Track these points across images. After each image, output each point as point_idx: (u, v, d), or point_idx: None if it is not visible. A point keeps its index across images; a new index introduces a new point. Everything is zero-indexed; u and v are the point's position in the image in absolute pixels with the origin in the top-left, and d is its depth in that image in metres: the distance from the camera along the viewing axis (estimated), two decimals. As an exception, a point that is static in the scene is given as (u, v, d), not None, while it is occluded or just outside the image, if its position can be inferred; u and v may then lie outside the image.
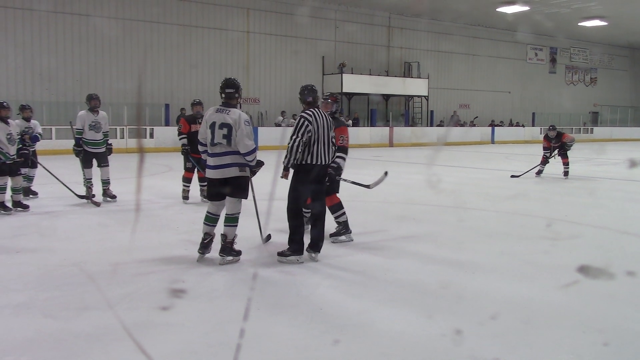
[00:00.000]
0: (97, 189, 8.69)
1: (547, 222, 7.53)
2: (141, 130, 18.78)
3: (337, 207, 6.21)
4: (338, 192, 6.23)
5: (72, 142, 8.51)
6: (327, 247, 5.59)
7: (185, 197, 8.70)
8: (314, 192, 5.43)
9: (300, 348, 3.43)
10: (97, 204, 8.27)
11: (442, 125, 29.50)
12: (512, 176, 12.51)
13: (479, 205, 8.77)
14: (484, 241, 6.42)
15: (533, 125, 32.50)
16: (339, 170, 5.89)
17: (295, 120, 5.43)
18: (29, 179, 8.85)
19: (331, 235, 6.20)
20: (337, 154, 5.90)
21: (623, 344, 3.61)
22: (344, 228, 6.21)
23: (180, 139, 8.59)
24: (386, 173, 6.01)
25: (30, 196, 8.81)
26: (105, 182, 8.66)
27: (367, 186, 6.24)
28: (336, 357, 3.34)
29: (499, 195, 10.06)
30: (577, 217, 7.88)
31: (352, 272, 5.08)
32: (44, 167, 8.69)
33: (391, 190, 10.59)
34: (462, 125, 29.80)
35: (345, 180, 6.25)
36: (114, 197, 8.66)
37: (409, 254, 5.71)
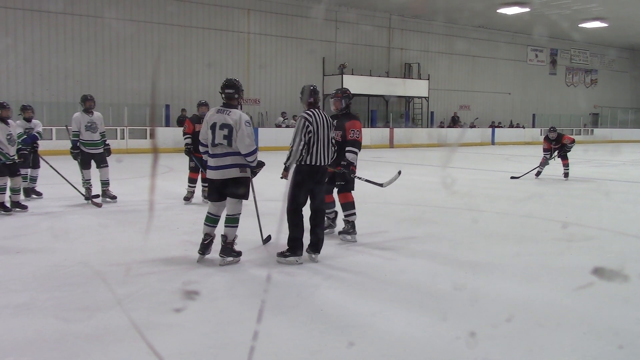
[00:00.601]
0: (98, 190, 8.69)
1: (557, 224, 7.44)
2: (154, 130, 18.79)
3: (350, 206, 6.26)
4: (353, 190, 6.29)
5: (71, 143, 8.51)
6: (327, 248, 5.59)
7: (186, 199, 8.70)
8: (314, 193, 5.42)
9: (300, 349, 3.43)
10: (99, 205, 8.26)
11: (443, 126, 29.53)
12: (512, 177, 12.51)
13: (482, 207, 8.75)
14: (487, 242, 6.42)
15: (533, 127, 32.50)
16: (349, 165, 5.97)
17: (295, 121, 5.44)
18: (33, 179, 8.84)
19: (340, 232, 6.31)
20: (348, 148, 6.00)
21: (637, 346, 3.59)
22: (351, 227, 6.24)
23: (184, 139, 8.62)
24: (399, 172, 6.01)
25: (33, 196, 8.80)
26: (105, 183, 8.65)
27: (381, 185, 6.23)
28: (338, 358, 3.34)
29: (503, 196, 10.05)
30: (587, 220, 7.84)
31: (352, 273, 5.07)
32: (52, 168, 8.63)
33: (393, 191, 10.59)
34: (461, 127, 29.81)
35: (359, 178, 6.25)
36: (114, 197, 8.66)
37: (411, 255, 5.71)
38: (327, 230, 6.51)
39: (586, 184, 12.14)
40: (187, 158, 8.72)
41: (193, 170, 8.68)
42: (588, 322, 3.92)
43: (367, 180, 6.40)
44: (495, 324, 3.86)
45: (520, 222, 7.77)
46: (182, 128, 8.92)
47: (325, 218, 6.51)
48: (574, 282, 4.84)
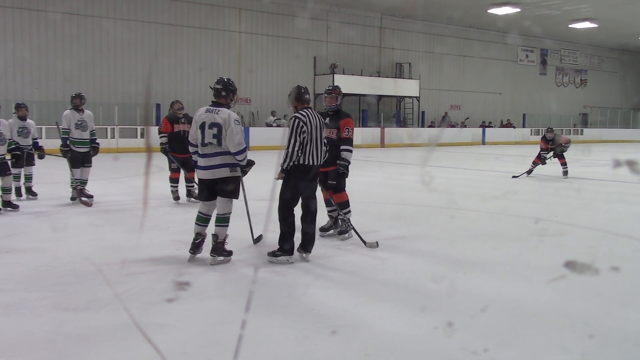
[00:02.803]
0: (93, 190, 8.64)
1: (536, 221, 7.62)
2: (148, 129, 18.74)
3: (346, 205, 6.31)
4: (345, 189, 6.32)
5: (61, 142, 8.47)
6: (318, 247, 5.60)
7: (176, 198, 8.69)
8: (306, 193, 5.44)
9: (292, 348, 3.44)
10: (89, 205, 8.22)
11: (433, 126, 29.64)
12: (514, 176, 12.71)
13: (470, 206, 8.81)
14: (475, 240, 6.48)
15: (524, 127, 32.67)
16: (347, 165, 6.10)
17: (286, 120, 5.45)
18: (28, 177, 8.78)
19: (339, 232, 6.36)
20: (343, 147, 6.07)
21: (607, 336, 3.71)
22: (347, 226, 6.29)
23: (160, 137, 8.58)
24: (377, 243, 5.91)
25: (29, 197, 8.73)
26: (84, 182, 8.58)
27: (364, 242, 6.04)
28: (329, 357, 3.35)
29: (490, 195, 10.10)
30: (566, 217, 7.94)
31: (343, 272, 5.09)
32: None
33: (383, 191, 10.64)
34: (453, 126, 29.93)
35: (354, 230, 6.18)
36: (90, 197, 8.54)
37: (400, 254, 5.74)
38: (331, 231, 6.52)
39: (575, 183, 12.24)
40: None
41: (174, 170, 8.68)
42: (561, 313, 4.08)
43: (356, 232, 6.22)
44: (474, 315, 3.99)
45: (509, 220, 7.81)
46: (158, 127, 8.88)
47: (329, 217, 6.54)
48: (548, 276, 5.00)
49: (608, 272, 5.05)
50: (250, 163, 5.34)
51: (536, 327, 3.80)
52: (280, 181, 5.40)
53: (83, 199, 8.36)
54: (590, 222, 7.67)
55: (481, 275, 5.05)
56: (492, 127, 31.48)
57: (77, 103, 8.50)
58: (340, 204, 6.24)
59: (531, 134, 31.47)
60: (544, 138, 12.83)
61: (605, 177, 13.13)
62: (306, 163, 5.30)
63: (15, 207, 7.82)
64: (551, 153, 12.71)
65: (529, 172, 12.80)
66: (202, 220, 5.31)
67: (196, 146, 5.26)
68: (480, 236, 6.73)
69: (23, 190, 8.81)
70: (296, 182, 5.33)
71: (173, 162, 8.60)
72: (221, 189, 5.19)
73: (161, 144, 8.54)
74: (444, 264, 5.44)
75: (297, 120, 5.25)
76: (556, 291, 4.61)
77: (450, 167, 15.56)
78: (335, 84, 6.48)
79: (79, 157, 8.48)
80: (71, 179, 8.52)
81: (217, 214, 5.25)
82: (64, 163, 8.72)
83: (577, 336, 3.70)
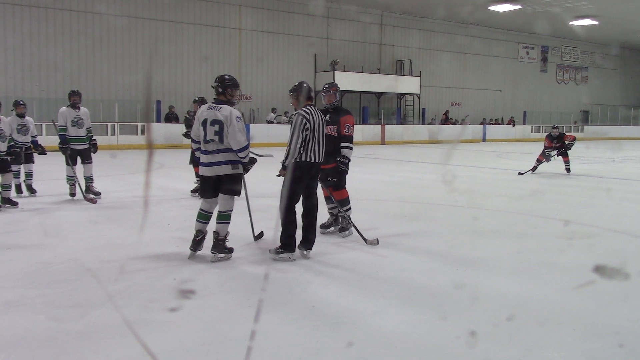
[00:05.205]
0: (100, 187, 8.61)
1: (556, 222, 7.45)
2: (150, 126, 18.84)
3: (347, 202, 6.29)
4: (345, 186, 6.30)
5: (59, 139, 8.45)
6: (319, 244, 5.59)
7: (195, 191, 8.65)
8: (307, 190, 5.42)
9: (292, 346, 3.42)
10: (94, 202, 8.19)
11: (434, 123, 29.63)
12: (520, 173, 12.72)
13: (476, 204, 8.78)
14: (477, 237, 6.45)
15: (524, 124, 32.65)
16: (347, 162, 6.09)
17: (287, 117, 5.42)
18: (28, 175, 8.77)
19: (340, 230, 6.34)
20: (343, 144, 6.05)
21: (638, 345, 3.58)
22: (348, 223, 6.27)
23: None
24: (377, 240, 5.91)
25: (27, 194, 8.70)
26: (89, 179, 8.56)
27: (365, 239, 5.98)
28: (329, 354, 3.33)
29: (496, 193, 10.07)
30: (587, 217, 7.83)
31: (344, 269, 5.07)
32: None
33: (383, 188, 10.62)
34: (453, 123, 29.91)
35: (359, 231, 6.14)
36: (97, 193, 8.55)
37: (401, 251, 5.72)
38: (332, 228, 6.50)
39: (584, 181, 12.17)
40: (178, 154, 8.69)
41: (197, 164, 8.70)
42: (588, 321, 3.89)
43: (356, 230, 6.18)
44: (495, 323, 3.83)
45: (517, 219, 7.76)
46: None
47: (329, 214, 6.53)
48: (574, 281, 4.81)
49: (638, 277, 4.85)
50: (252, 160, 5.33)
51: (563, 336, 3.61)
52: (282, 178, 5.39)
53: (90, 196, 8.34)
54: (617, 223, 7.34)
55: (481, 273, 5.01)
56: (492, 124, 31.46)
57: (77, 100, 8.46)
58: (340, 201, 6.22)
59: (532, 132, 31.47)
60: (549, 136, 12.80)
61: (609, 175, 13.10)
62: (308, 160, 5.29)
63: (14, 204, 7.80)
64: (555, 151, 12.64)
65: (534, 169, 12.76)
66: (203, 217, 5.29)
67: (199, 143, 5.25)
68: (483, 233, 6.69)
69: (23, 187, 8.80)
70: (297, 179, 5.31)
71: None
72: (223, 186, 5.17)
73: (187, 132, 9.02)
74: (449, 263, 5.37)
75: (300, 117, 5.23)
76: (583, 297, 4.40)
77: (451, 164, 15.53)
78: (333, 81, 6.43)
79: (75, 154, 8.45)
80: (67, 176, 8.49)
81: (219, 211, 5.24)
82: (61, 160, 8.70)
83: (605, 345, 3.53)
